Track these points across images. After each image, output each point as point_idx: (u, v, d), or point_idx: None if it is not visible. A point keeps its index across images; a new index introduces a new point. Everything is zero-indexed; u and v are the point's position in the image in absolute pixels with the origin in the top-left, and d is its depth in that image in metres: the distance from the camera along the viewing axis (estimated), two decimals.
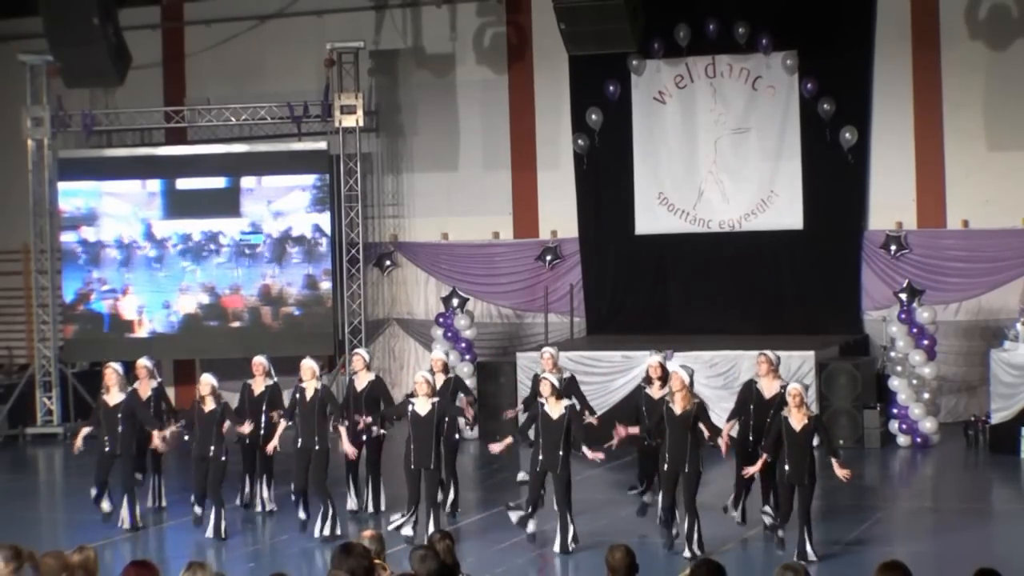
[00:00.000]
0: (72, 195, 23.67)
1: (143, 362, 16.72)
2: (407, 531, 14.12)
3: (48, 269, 23.67)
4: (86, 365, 23.99)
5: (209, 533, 14.90)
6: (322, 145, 23.21)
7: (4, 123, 24.65)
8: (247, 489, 16.38)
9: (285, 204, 23.27)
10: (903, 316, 19.80)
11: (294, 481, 15.12)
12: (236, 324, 23.42)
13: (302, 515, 14.89)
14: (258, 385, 16.17)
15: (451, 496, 15.78)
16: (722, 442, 14.02)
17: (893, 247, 21.68)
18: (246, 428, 15.59)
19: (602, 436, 15.23)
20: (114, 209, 23.61)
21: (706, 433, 13.66)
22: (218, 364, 21.93)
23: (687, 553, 13.36)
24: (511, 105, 23.70)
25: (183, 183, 23.49)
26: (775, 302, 22.23)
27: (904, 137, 21.82)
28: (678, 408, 13.60)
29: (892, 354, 19.93)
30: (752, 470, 13.79)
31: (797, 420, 13.33)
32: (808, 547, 13.20)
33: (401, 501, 15.41)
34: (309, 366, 15.15)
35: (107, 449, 15.44)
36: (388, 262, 24.31)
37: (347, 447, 15.11)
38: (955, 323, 21.17)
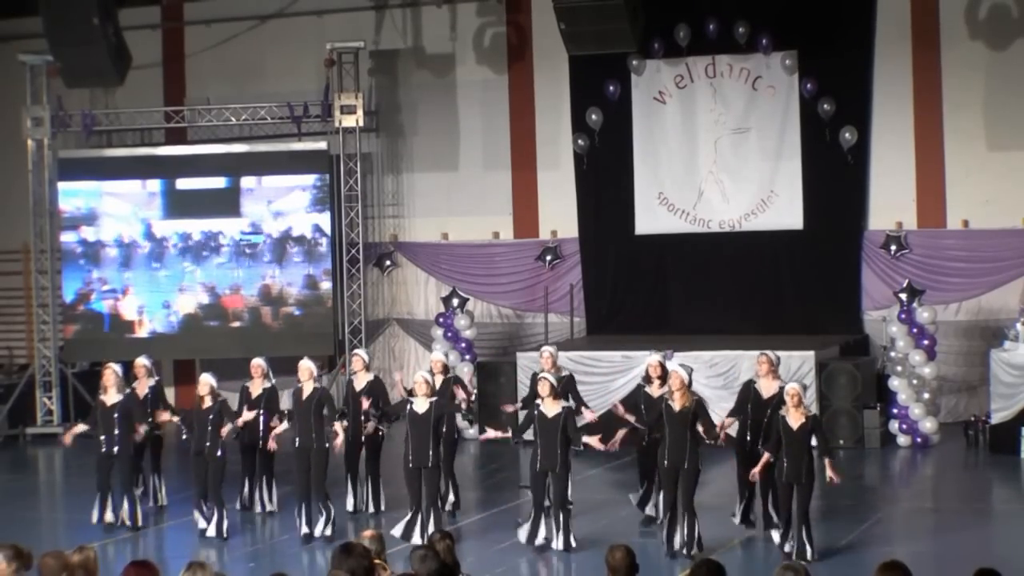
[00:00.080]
0: (72, 195, 23.68)
1: (141, 361, 16.75)
2: (415, 540, 13.96)
3: (48, 269, 23.67)
4: (86, 365, 23.98)
5: (211, 533, 14.90)
6: (322, 145, 23.21)
7: (4, 123, 24.66)
8: (246, 491, 16.37)
9: (285, 204, 23.27)
10: (903, 316, 19.80)
11: (296, 486, 15.07)
12: (236, 324, 23.43)
13: (305, 529, 14.79)
14: (256, 387, 16.19)
15: (451, 497, 15.76)
16: (720, 430, 14.01)
17: (893, 247, 21.68)
18: (247, 416, 15.61)
19: (603, 434, 15.25)
20: (114, 209, 23.61)
21: (703, 432, 13.64)
22: (218, 364, 21.95)
23: (674, 550, 13.40)
24: (511, 105, 23.71)
25: (183, 183, 23.49)
26: (775, 302, 22.23)
27: (904, 137, 21.82)
28: (677, 406, 13.62)
29: (892, 354, 19.93)
30: (757, 471, 13.76)
31: (795, 419, 13.35)
32: (807, 547, 13.20)
33: (400, 501, 15.43)
34: (307, 367, 15.13)
35: (103, 450, 15.44)
36: (388, 262, 24.31)
37: (337, 445, 15.02)
38: (955, 323, 21.17)
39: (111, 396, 15.47)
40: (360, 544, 8.44)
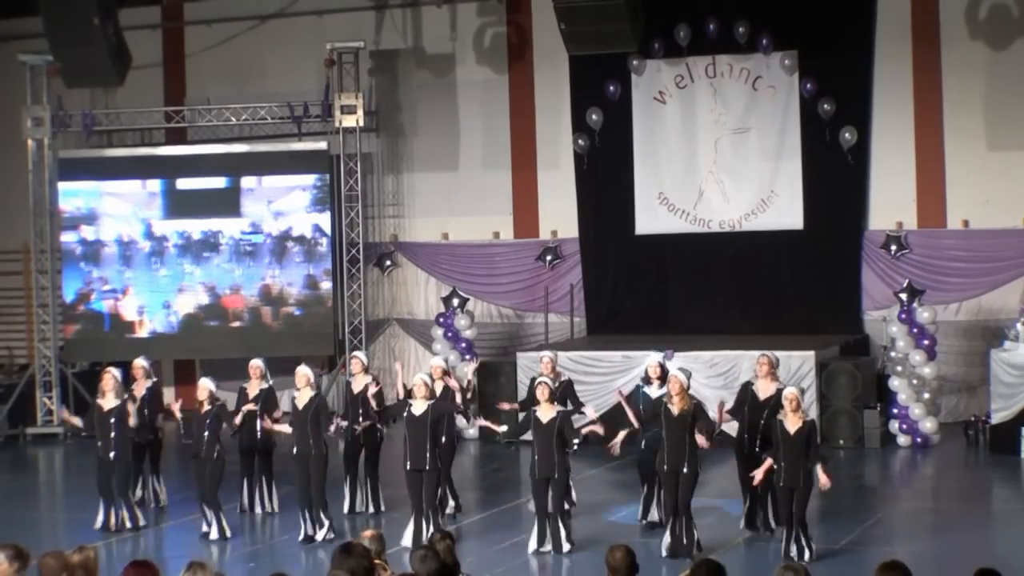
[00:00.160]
0: (72, 195, 23.68)
1: (139, 362, 16.81)
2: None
3: (48, 269, 23.67)
4: (86, 365, 23.99)
5: (213, 536, 14.89)
6: (322, 145, 23.21)
7: (4, 123, 24.65)
8: (246, 495, 16.36)
9: (285, 204, 23.27)
10: (903, 316, 19.80)
11: (296, 492, 15.05)
12: (236, 324, 23.43)
13: (309, 531, 14.78)
14: (253, 388, 16.22)
15: (450, 503, 15.68)
16: (718, 417, 14.06)
17: (893, 247, 21.68)
18: (247, 407, 15.64)
19: (600, 436, 15.24)
20: (114, 209, 23.61)
21: (700, 438, 13.61)
22: (218, 364, 21.99)
23: (666, 552, 13.40)
24: (511, 105, 23.70)
25: (183, 183, 23.50)
26: (775, 302, 22.23)
27: (904, 137, 21.81)
28: (676, 410, 13.61)
29: (892, 354, 19.92)
30: (759, 475, 13.74)
31: (792, 424, 13.34)
32: (806, 550, 13.20)
33: (399, 501, 15.44)
34: (304, 373, 15.11)
35: (100, 455, 15.44)
36: (388, 262, 24.31)
37: (332, 430, 14.99)
38: (955, 323, 21.16)
39: (108, 401, 15.45)
40: (360, 544, 8.44)
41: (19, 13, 23.88)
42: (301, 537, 14.72)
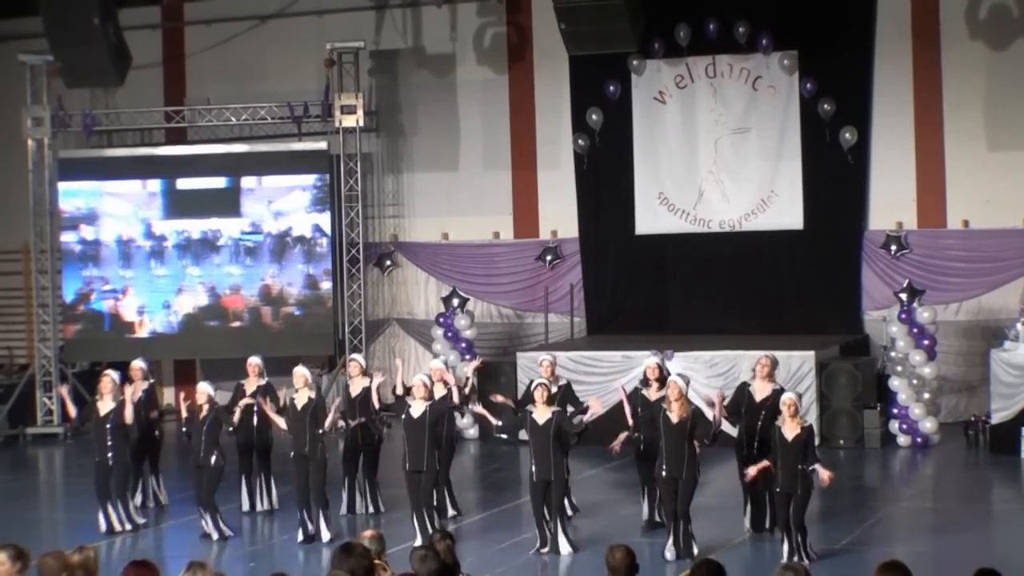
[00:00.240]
0: (72, 195, 23.68)
1: (137, 363, 16.85)
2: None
3: (48, 269, 23.67)
4: (86, 365, 23.99)
5: (214, 537, 14.89)
6: (322, 145, 23.21)
7: (4, 123, 24.66)
8: (245, 493, 16.36)
9: (285, 204, 23.27)
10: (903, 316, 19.80)
11: (295, 493, 15.04)
12: (236, 324, 23.43)
13: (309, 531, 14.78)
14: (250, 385, 16.25)
15: (450, 510, 15.64)
16: (715, 405, 14.07)
17: (893, 247, 21.68)
18: (244, 402, 15.67)
19: (602, 436, 15.24)
20: (114, 209, 23.61)
21: (697, 447, 13.62)
22: (218, 364, 22.01)
23: (671, 556, 13.42)
24: (511, 105, 23.70)
25: (183, 183, 23.50)
26: (775, 302, 22.23)
27: (904, 137, 21.81)
28: (675, 416, 13.57)
29: (892, 354, 19.92)
30: (752, 472, 13.75)
31: (790, 430, 13.31)
32: (803, 552, 13.19)
33: (399, 501, 15.44)
34: (302, 374, 15.09)
35: (98, 459, 15.44)
36: (388, 262, 24.31)
37: (330, 418, 14.99)
38: (955, 323, 21.16)
39: (106, 404, 15.44)
40: (360, 544, 8.44)
41: (19, 13, 23.90)
42: (301, 538, 14.71)
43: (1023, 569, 11.70)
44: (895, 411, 19.71)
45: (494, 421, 15.05)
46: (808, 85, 21.68)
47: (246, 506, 16.34)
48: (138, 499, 16.29)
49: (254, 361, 16.45)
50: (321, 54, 23.03)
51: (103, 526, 15.32)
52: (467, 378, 17.28)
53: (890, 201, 21.80)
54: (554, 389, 14.86)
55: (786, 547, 13.26)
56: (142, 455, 16.39)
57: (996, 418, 19.08)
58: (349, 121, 22.95)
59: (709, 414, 14.21)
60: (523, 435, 14.53)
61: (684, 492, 13.51)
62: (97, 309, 23.69)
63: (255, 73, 24.54)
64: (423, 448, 14.18)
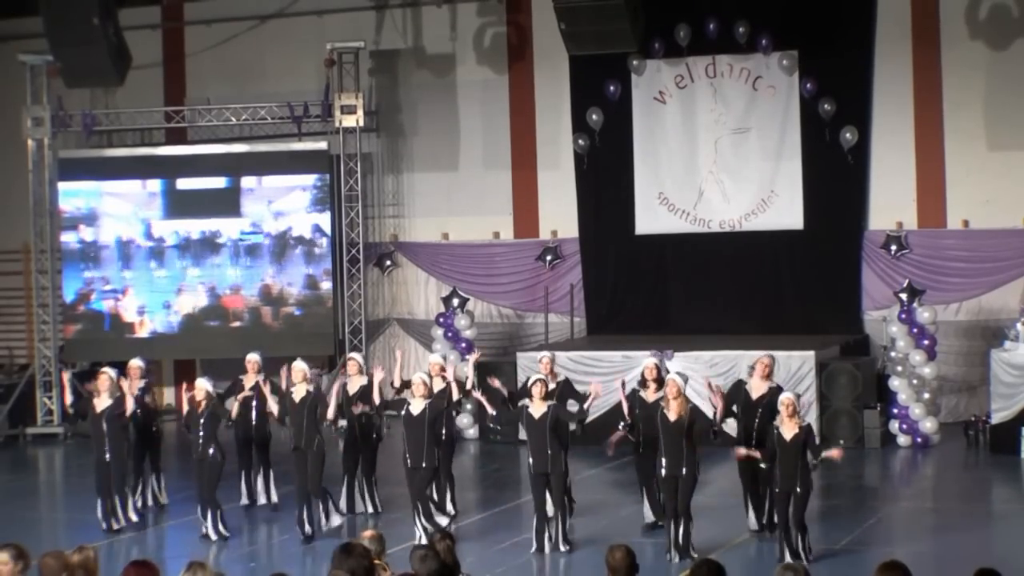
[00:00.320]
0: (72, 195, 23.68)
1: (135, 362, 16.86)
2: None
3: (48, 269, 23.67)
4: (86, 365, 23.97)
5: (213, 536, 14.90)
6: (322, 145, 23.21)
7: (4, 123, 24.66)
8: (244, 488, 16.37)
9: (285, 204, 23.27)
10: (903, 316, 19.80)
11: (295, 487, 15.04)
12: (236, 324, 23.43)
13: (307, 529, 14.76)
14: (249, 381, 16.29)
15: (450, 510, 15.64)
16: (715, 397, 14.11)
17: (893, 247, 21.68)
18: (243, 394, 15.66)
19: (599, 435, 15.24)
20: (114, 209, 23.62)
21: (697, 448, 13.64)
22: (218, 364, 21.98)
23: (673, 556, 13.41)
24: (511, 105, 23.70)
25: (183, 183, 23.50)
26: (775, 302, 22.23)
27: (904, 137, 21.81)
28: (673, 415, 13.58)
29: (892, 354, 19.92)
30: (741, 452, 13.81)
31: (788, 430, 13.32)
32: (802, 552, 13.19)
33: (398, 500, 15.44)
34: (300, 368, 15.13)
35: (96, 456, 15.45)
36: (388, 262, 24.31)
37: (331, 407, 14.95)
38: (955, 323, 21.16)
39: (102, 401, 15.46)
40: (360, 544, 8.44)
41: (19, 13, 23.89)
42: (302, 538, 14.71)
43: (1023, 569, 11.70)
44: (895, 411, 19.71)
45: (490, 410, 15.05)
46: (808, 85, 21.68)
47: (246, 501, 16.35)
48: (139, 500, 16.28)
49: (253, 358, 16.46)
50: (321, 54, 23.03)
51: (103, 524, 15.33)
52: (467, 376, 17.28)
53: (890, 201, 21.80)
54: (552, 385, 14.88)
55: (786, 547, 13.25)
56: (142, 453, 16.39)
57: (996, 418, 19.08)
58: (349, 121, 22.95)
59: (708, 409, 14.21)
60: (522, 435, 14.54)
61: (684, 490, 13.52)
62: (97, 309, 23.69)
63: (255, 73, 24.54)
64: (423, 445, 14.20)
